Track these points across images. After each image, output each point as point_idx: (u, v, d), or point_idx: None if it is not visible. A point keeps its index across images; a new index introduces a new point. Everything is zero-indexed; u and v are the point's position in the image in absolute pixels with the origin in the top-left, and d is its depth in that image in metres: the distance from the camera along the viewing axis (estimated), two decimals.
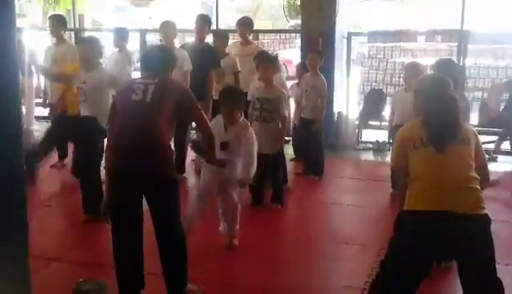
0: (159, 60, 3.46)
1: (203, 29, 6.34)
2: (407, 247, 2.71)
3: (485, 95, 7.83)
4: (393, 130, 5.30)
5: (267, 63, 5.27)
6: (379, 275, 2.85)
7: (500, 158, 7.30)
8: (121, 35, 7.04)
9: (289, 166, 6.20)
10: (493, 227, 2.71)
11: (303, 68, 6.66)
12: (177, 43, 6.64)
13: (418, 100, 2.99)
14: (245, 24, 7.12)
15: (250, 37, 7.46)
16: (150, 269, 3.39)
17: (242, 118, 4.33)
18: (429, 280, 2.80)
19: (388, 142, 6.56)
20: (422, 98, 2.95)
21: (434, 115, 2.82)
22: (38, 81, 8.16)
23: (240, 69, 6.48)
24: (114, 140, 3.31)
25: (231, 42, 7.02)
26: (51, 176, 6.36)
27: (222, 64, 6.25)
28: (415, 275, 2.74)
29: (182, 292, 3.37)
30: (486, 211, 2.70)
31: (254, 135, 4.28)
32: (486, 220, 2.69)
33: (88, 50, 4.82)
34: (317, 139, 6.26)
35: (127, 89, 3.34)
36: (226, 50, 6.67)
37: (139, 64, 6.80)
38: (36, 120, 8.62)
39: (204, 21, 6.41)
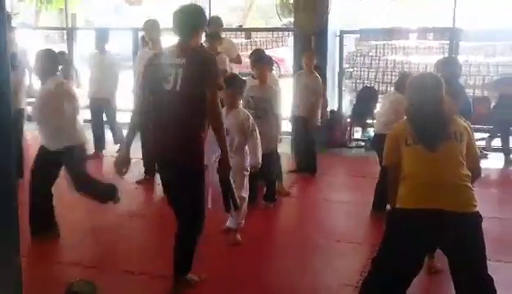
0: (185, 23, 3.35)
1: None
2: (399, 245, 2.74)
3: (476, 92, 7.88)
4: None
5: (264, 62, 5.33)
6: (371, 273, 2.86)
7: (491, 155, 7.35)
8: (101, 36, 7.03)
9: (282, 164, 6.19)
10: (484, 224, 2.74)
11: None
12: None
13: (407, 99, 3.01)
14: (215, 23, 6.82)
15: (237, 37, 7.41)
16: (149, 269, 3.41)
17: (242, 107, 4.49)
18: (421, 281, 2.81)
19: None
20: (409, 97, 2.97)
21: (419, 114, 2.83)
22: (30, 80, 8.12)
23: (227, 69, 6.45)
24: (151, 131, 3.44)
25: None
26: None
27: None
28: (406, 273, 2.76)
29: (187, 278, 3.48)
30: (477, 209, 2.72)
31: (253, 120, 4.43)
32: (477, 218, 2.71)
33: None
34: (311, 137, 6.28)
35: (158, 74, 3.31)
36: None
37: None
38: (27, 120, 8.59)
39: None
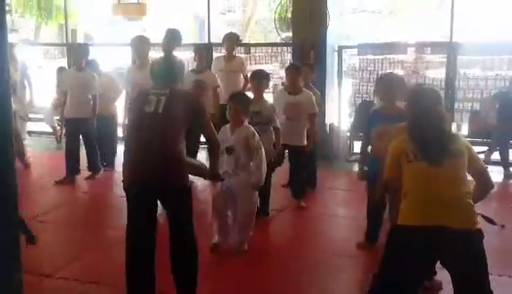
0: (167, 70, 3.53)
1: (170, 44, 6.41)
2: (399, 262, 2.73)
3: (475, 105, 7.91)
4: None
5: (261, 79, 5.39)
6: (372, 289, 2.85)
7: (490, 168, 7.32)
8: (79, 53, 6.65)
9: (281, 179, 6.19)
10: (485, 238, 2.73)
11: None
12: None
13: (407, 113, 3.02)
14: (231, 40, 7.11)
15: (237, 53, 7.46)
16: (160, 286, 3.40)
17: (247, 123, 4.55)
18: None
19: None
20: (410, 110, 2.97)
21: (420, 128, 2.82)
22: (31, 95, 8.14)
23: (219, 85, 6.50)
24: (129, 153, 3.41)
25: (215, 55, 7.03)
26: (46, 192, 6.35)
27: (201, 78, 6.27)
28: (407, 289, 2.75)
29: None
30: (479, 226, 2.71)
31: (259, 138, 4.48)
32: (479, 236, 2.70)
33: None
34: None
35: (140, 100, 3.43)
36: (212, 65, 6.70)
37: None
38: (28, 135, 8.62)
39: (171, 36, 6.46)
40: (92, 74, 6.56)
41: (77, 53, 6.75)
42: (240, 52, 9.60)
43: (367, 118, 4.65)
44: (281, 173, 5.90)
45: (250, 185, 4.39)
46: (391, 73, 6.20)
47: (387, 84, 4.47)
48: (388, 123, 4.14)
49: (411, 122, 2.92)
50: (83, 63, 6.53)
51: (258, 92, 5.34)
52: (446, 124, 2.87)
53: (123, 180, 3.40)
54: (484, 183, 2.87)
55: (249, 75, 5.93)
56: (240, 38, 8.05)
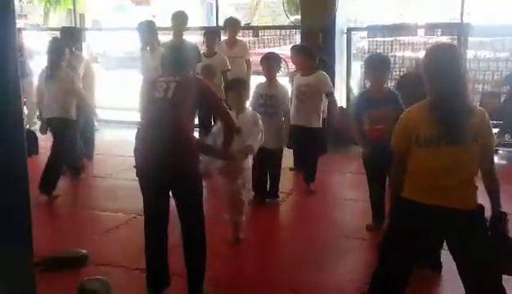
0: (177, 59, 3.53)
1: (178, 26, 6.35)
2: (401, 233, 2.74)
3: (485, 87, 7.84)
4: None
5: (271, 60, 5.35)
6: (378, 265, 2.88)
7: (501, 150, 7.30)
8: (57, 47, 5.68)
9: (289, 162, 6.19)
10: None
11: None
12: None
13: (425, 80, 2.69)
14: (233, 25, 7.02)
15: (246, 35, 7.41)
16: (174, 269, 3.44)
17: (250, 108, 4.61)
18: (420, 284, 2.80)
19: None
20: (431, 82, 2.66)
21: (443, 108, 2.59)
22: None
23: (229, 68, 6.47)
24: (140, 139, 3.43)
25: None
26: None
27: (211, 62, 6.23)
28: (408, 263, 2.78)
29: (202, 289, 3.43)
30: (479, 203, 2.69)
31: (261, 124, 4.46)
32: (481, 212, 2.68)
33: None
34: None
35: (150, 87, 3.43)
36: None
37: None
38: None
39: (179, 19, 6.42)
40: (68, 70, 5.82)
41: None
42: (248, 35, 9.56)
43: (356, 102, 4.68)
44: (290, 156, 5.90)
45: (245, 148, 4.23)
46: (379, 53, 6.15)
47: (376, 65, 4.46)
48: (379, 108, 4.14)
49: (435, 100, 2.64)
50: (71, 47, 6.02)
51: (270, 75, 5.32)
52: (469, 96, 2.69)
53: (135, 166, 3.42)
54: (489, 182, 2.75)
55: (255, 60, 5.90)
56: (248, 21, 8.01)
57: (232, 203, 4.35)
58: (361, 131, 4.51)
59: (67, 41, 6.13)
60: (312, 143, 5.72)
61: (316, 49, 6.18)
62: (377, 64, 4.51)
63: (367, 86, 8.02)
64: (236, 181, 4.30)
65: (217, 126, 4.14)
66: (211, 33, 6.85)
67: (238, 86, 4.62)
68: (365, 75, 4.49)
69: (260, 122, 4.46)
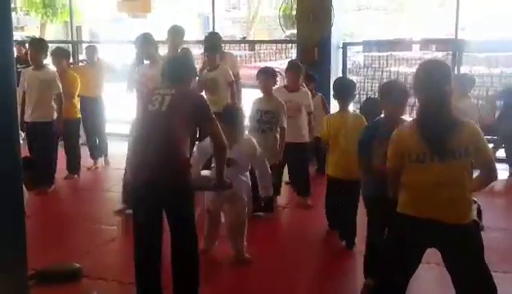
0: (174, 71, 3.51)
1: (174, 40, 6.33)
2: (401, 245, 2.78)
3: (480, 102, 7.89)
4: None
5: (267, 75, 5.33)
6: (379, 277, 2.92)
7: (496, 165, 7.30)
8: (37, 49, 6.00)
9: (284, 176, 6.17)
10: (489, 234, 2.74)
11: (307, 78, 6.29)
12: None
13: (414, 93, 2.80)
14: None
15: (241, 49, 7.28)
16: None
17: (245, 138, 4.34)
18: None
19: None
20: (418, 94, 2.75)
21: (428, 123, 2.69)
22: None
23: (233, 79, 6.29)
24: (133, 152, 3.40)
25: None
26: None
27: (214, 75, 6.11)
28: (407, 274, 2.82)
29: None
30: (473, 218, 2.71)
31: (260, 149, 4.35)
32: (474, 226, 2.71)
33: None
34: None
35: (145, 99, 3.41)
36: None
37: None
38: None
39: (175, 33, 6.40)
40: (51, 72, 6.16)
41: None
42: (244, 49, 9.59)
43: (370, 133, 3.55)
44: (285, 170, 5.89)
45: (261, 199, 4.31)
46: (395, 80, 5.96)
47: (394, 94, 3.51)
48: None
49: (421, 116, 2.74)
50: (42, 61, 6.08)
51: (267, 90, 5.30)
52: (453, 112, 2.70)
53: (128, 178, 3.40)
54: (487, 174, 2.83)
55: (251, 73, 5.84)
56: (244, 35, 8.02)
57: (235, 227, 4.23)
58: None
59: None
60: (300, 158, 5.65)
61: (306, 65, 6.15)
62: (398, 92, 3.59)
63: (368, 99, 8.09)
64: (237, 205, 4.19)
65: (205, 142, 3.95)
66: (210, 50, 6.58)
67: (229, 116, 4.23)
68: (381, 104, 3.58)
69: (259, 150, 4.33)
